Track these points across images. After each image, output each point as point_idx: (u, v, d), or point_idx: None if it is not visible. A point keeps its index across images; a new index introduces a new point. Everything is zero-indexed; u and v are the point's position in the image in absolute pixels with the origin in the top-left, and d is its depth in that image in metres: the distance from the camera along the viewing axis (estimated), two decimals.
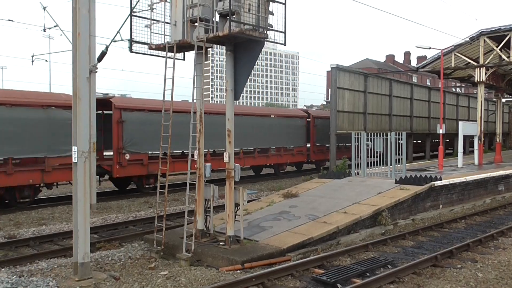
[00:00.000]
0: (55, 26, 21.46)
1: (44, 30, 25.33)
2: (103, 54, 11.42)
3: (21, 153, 15.71)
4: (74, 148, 8.13)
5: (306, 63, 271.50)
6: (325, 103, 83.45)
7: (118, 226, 13.70)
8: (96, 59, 10.20)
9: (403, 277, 8.47)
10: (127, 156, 18.55)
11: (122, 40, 11.73)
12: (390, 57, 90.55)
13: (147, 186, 20.11)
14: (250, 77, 11.12)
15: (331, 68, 24.83)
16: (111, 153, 18.96)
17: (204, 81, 10.78)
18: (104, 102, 18.14)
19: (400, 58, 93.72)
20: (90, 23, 8.52)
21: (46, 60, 32.54)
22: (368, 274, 8.72)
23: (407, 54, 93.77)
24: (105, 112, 19.30)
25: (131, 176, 19.36)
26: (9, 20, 26.76)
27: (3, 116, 15.24)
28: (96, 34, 9.14)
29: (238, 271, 8.80)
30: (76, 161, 8.12)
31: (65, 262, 9.56)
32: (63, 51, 23.72)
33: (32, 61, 26.85)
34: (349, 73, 25.84)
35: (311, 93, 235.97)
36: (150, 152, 19.62)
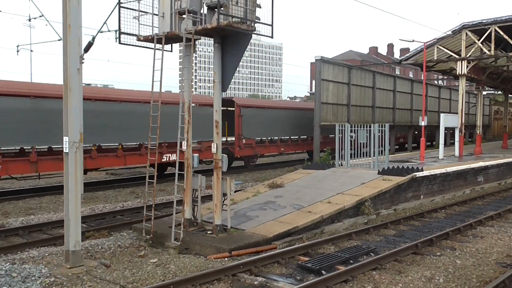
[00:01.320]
0: (40, 16, 21.11)
1: (30, 20, 24.88)
2: (89, 45, 11.39)
3: (170, 138, 19.00)
4: (65, 139, 8.19)
5: (290, 55, 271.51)
6: (308, 94, 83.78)
7: (106, 215, 13.81)
8: (82, 50, 10.22)
9: (385, 264, 8.78)
10: (244, 141, 24.47)
11: (109, 31, 11.70)
12: (374, 49, 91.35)
13: (251, 164, 26.59)
14: None
15: (316, 60, 24.99)
16: (232, 138, 25.42)
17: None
18: (227, 101, 23.51)
19: (383, 50, 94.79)
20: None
21: (32, 51, 32.09)
22: (351, 261, 9.01)
23: (390, 46, 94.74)
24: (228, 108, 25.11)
25: (244, 155, 25.38)
26: None
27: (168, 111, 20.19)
28: (82, 25, 9.17)
29: (226, 259, 9.03)
30: (67, 151, 8.19)
31: (56, 250, 9.69)
32: (47, 42, 23.32)
33: (17, 51, 26.43)
34: (333, 65, 26.05)
35: (295, 84, 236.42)
36: (257, 138, 26.25)
